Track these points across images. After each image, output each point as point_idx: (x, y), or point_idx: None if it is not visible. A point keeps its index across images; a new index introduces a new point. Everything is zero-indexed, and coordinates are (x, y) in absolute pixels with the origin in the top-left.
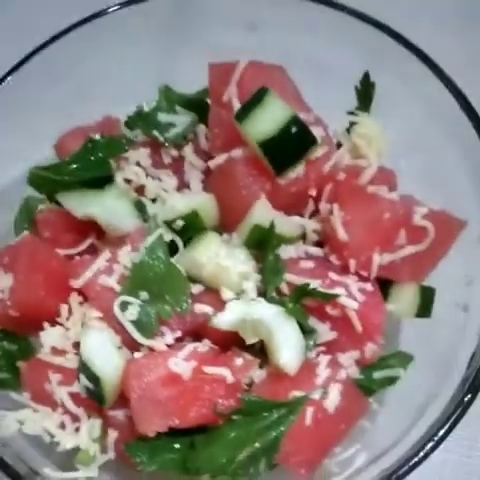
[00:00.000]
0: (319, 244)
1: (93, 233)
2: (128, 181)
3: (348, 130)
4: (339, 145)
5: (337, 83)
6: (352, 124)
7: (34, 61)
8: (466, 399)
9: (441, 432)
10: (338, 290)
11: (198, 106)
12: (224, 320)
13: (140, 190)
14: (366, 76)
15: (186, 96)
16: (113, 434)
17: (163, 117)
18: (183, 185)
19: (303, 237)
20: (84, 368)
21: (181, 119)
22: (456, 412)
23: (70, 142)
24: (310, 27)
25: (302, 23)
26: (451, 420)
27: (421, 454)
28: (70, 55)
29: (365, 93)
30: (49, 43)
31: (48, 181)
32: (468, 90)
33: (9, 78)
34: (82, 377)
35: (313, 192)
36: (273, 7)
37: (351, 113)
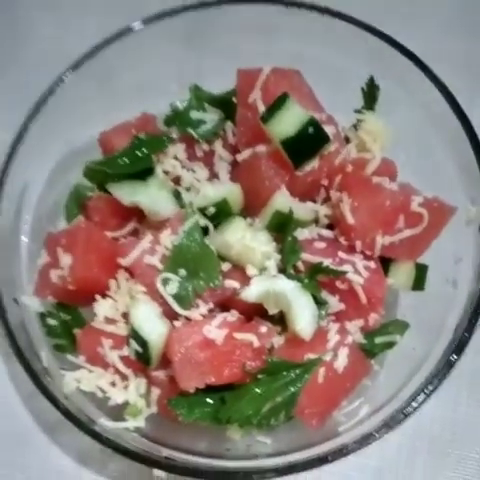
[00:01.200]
0: (330, 227)
1: (135, 217)
2: (166, 172)
3: (355, 126)
4: (347, 139)
5: (346, 85)
6: (359, 121)
7: (73, 75)
8: (452, 359)
9: (430, 387)
10: (346, 267)
11: (225, 104)
12: (250, 293)
13: (176, 180)
14: (371, 79)
15: (214, 95)
16: (156, 391)
17: (195, 114)
18: (213, 175)
19: (316, 221)
20: (135, 334)
21: (210, 116)
22: (443, 370)
23: (113, 137)
24: (322, 36)
25: (315, 32)
26: (439, 376)
27: (414, 405)
28: (106, 67)
29: (370, 94)
30: (107, 43)
31: (100, 173)
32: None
33: (58, 88)
34: (132, 342)
35: (325, 182)
36: (287, 17)
37: (358, 111)
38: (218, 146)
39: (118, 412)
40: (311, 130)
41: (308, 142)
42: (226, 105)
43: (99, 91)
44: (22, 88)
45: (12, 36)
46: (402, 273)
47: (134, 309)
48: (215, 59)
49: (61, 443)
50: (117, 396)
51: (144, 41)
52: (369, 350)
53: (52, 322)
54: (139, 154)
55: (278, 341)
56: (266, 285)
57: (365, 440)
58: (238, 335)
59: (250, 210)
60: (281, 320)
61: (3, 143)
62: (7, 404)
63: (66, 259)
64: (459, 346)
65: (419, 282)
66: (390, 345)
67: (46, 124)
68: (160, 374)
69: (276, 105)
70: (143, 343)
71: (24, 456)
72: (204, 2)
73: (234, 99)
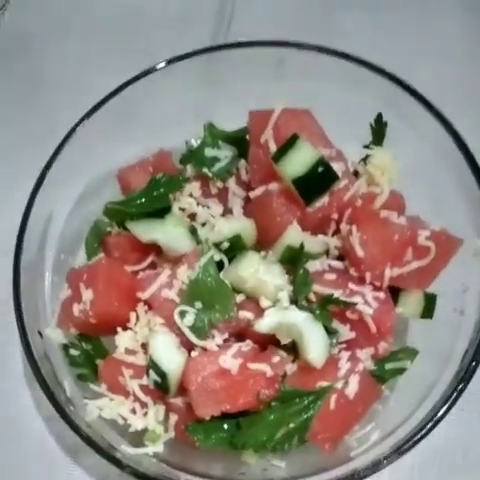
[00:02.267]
0: (340, 258)
1: (153, 252)
2: (182, 209)
3: (364, 160)
4: (356, 173)
5: (355, 122)
6: (368, 156)
7: (96, 113)
8: (460, 387)
9: (440, 413)
10: (356, 298)
11: (238, 142)
12: (263, 325)
13: (192, 216)
14: (379, 116)
15: (227, 133)
16: (174, 417)
17: (209, 152)
18: (227, 211)
19: (327, 252)
20: (153, 366)
21: (224, 153)
22: (452, 397)
23: (130, 174)
24: (332, 76)
25: (325, 72)
26: (448, 403)
27: (423, 431)
28: (129, 103)
29: (378, 130)
30: (115, 94)
31: (120, 212)
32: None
33: (82, 123)
34: (152, 373)
35: (335, 216)
36: (298, 58)
37: (367, 147)
38: (232, 183)
39: (138, 438)
40: (321, 169)
41: (318, 181)
42: (239, 142)
43: (119, 128)
44: (47, 128)
45: (36, 76)
46: (411, 302)
47: (153, 340)
48: (229, 97)
49: (84, 465)
50: (137, 423)
51: (162, 81)
52: (380, 376)
53: (75, 352)
54: (156, 194)
55: (291, 368)
56: (278, 317)
57: (376, 466)
58: (252, 365)
59: (263, 243)
60: (294, 348)
61: (30, 179)
62: (32, 427)
63: (88, 294)
64: (467, 373)
65: (428, 311)
66: (400, 371)
67: (69, 160)
68: (178, 401)
69: (287, 146)
70: (162, 374)
71: (48, 477)
72: (219, 45)
73: (247, 136)
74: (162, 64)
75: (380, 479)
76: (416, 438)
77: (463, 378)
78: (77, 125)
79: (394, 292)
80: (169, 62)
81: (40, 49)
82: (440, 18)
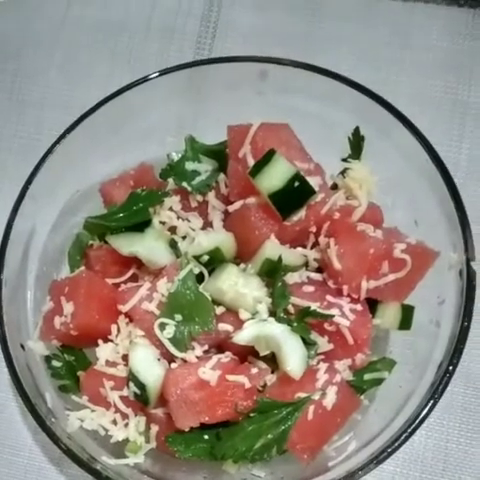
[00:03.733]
0: (319, 270)
1: (134, 264)
2: (163, 223)
3: (342, 173)
4: (335, 186)
5: (333, 136)
6: (346, 169)
7: (85, 123)
8: (435, 397)
9: (415, 423)
10: (333, 310)
11: (218, 155)
12: (242, 337)
13: (172, 229)
14: (357, 130)
15: (208, 146)
16: (155, 428)
17: (190, 165)
18: (207, 224)
19: (306, 264)
20: (133, 377)
21: (205, 167)
22: (427, 407)
23: (112, 188)
24: (313, 90)
25: (306, 87)
26: (424, 412)
27: (401, 438)
28: (111, 117)
29: (356, 144)
30: (96, 108)
31: (100, 226)
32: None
33: (64, 138)
34: (131, 384)
35: (314, 229)
36: (277, 73)
37: (345, 160)
38: (211, 197)
39: (119, 449)
40: (297, 184)
41: (294, 195)
42: (219, 156)
43: (101, 142)
44: (29, 141)
45: (18, 91)
46: (389, 314)
47: (132, 353)
48: (210, 111)
49: (70, 474)
50: (118, 434)
51: (144, 95)
52: (358, 386)
53: (57, 364)
54: (136, 208)
55: (271, 379)
56: (257, 329)
57: (352, 476)
58: (230, 377)
59: (243, 256)
60: (274, 359)
61: (12, 193)
62: (17, 437)
63: (69, 307)
64: (441, 385)
65: (405, 322)
66: (378, 381)
67: (52, 174)
68: (158, 411)
69: (263, 161)
70: (141, 386)
71: None
72: (201, 60)
73: (227, 150)
74: (146, 78)
75: None
76: (392, 448)
77: (437, 390)
78: (59, 140)
79: (372, 304)
80: (151, 77)
81: (24, 63)
82: (420, 31)
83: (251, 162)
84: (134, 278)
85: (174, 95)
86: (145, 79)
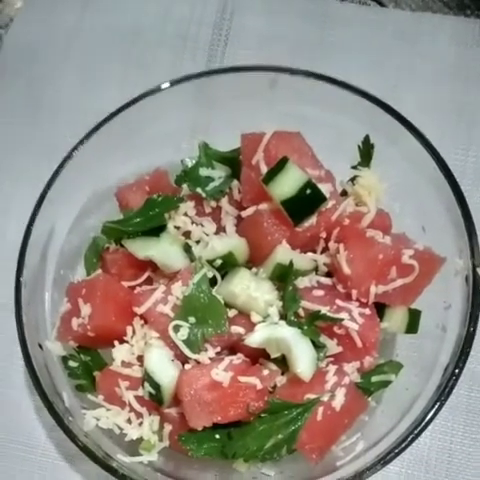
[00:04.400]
0: (329, 274)
1: (149, 268)
2: (177, 227)
3: (352, 180)
4: (345, 192)
5: (345, 145)
6: (355, 176)
7: (113, 121)
8: (441, 400)
9: (422, 425)
10: (343, 314)
11: (231, 162)
12: (254, 339)
13: (187, 234)
14: (367, 138)
15: (221, 153)
16: (168, 427)
17: (204, 171)
18: (220, 229)
19: (316, 268)
20: (148, 378)
21: (218, 173)
22: (433, 409)
23: (128, 193)
24: (324, 99)
25: (317, 95)
26: (430, 414)
27: (408, 439)
28: (127, 124)
29: (366, 152)
30: (113, 116)
31: (117, 231)
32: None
33: (82, 144)
34: (147, 385)
35: (324, 234)
36: (289, 80)
37: (354, 167)
38: (225, 202)
39: (133, 447)
40: (308, 191)
41: (306, 202)
42: (232, 162)
43: (117, 147)
44: (48, 145)
45: (36, 95)
46: (396, 318)
47: (148, 354)
48: (222, 118)
49: (83, 471)
50: (132, 432)
51: (159, 103)
52: (366, 388)
53: (73, 364)
54: (152, 213)
55: (281, 380)
56: (268, 332)
57: (360, 476)
58: (242, 378)
59: (255, 260)
60: (284, 360)
61: (31, 197)
62: (32, 434)
63: (86, 309)
64: (447, 388)
65: (412, 326)
66: (386, 384)
67: (70, 177)
68: (172, 411)
69: (276, 168)
70: (156, 386)
71: None
72: (215, 70)
73: (240, 157)
74: (161, 87)
75: None
76: (399, 449)
77: (443, 392)
78: (77, 146)
79: (380, 307)
80: (164, 87)
81: (40, 67)
82: (428, 40)
83: (264, 169)
84: (149, 281)
85: (187, 103)
86: (159, 88)
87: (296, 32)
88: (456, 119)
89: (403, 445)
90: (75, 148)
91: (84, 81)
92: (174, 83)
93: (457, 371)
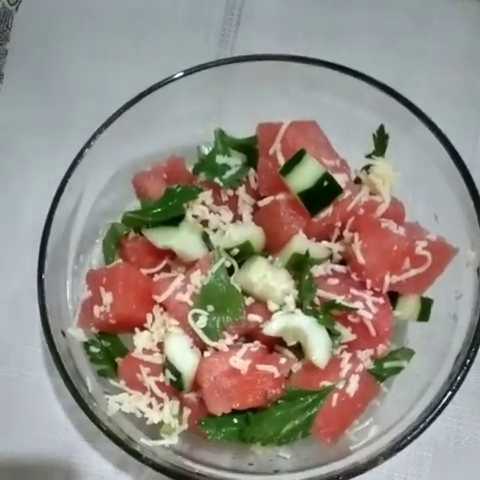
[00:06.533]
0: (343, 262)
1: (167, 256)
2: (195, 216)
3: (366, 168)
4: (359, 180)
5: (359, 133)
6: (370, 165)
7: (130, 111)
8: (453, 388)
9: (435, 411)
10: (357, 303)
11: (248, 150)
12: (271, 328)
13: (204, 223)
14: (381, 128)
15: (237, 140)
16: (187, 411)
17: (220, 159)
18: (237, 217)
19: (331, 256)
20: (169, 366)
21: (234, 161)
22: (446, 396)
23: (145, 180)
24: (338, 88)
25: (331, 84)
26: (442, 402)
27: (420, 427)
28: (143, 111)
29: (380, 141)
30: (138, 99)
31: (137, 221)
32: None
33: (102, 131)
34: (168, 372)
35: (339, 224)
36: (302, 69)
37: (369, 156)
38: (241, 192)
39: (154, 430)
40: (325, 183)
41: (323, 194)
42: (248, 150)
43: (134, 134)
44: (61, 126)
45: (49, 75)
46: (408, 306)
47: (168, 341)
48: (237, 106)
49: (102, 450)
50: (154, 416)
51: (176, 89)
52: (378, 374)
53: (95, 350)
54: (171, 204)
55: (297, 367)
56: (285, 321)
57: (374, 462)
58: (260, 367)
59: (271, 249)
60: (299, 348)
61: (45, 181)
62: (53, 415)
63: (107, 297)
64: (458, 376)
65: (424, 314)
66: (397, 370)
67: (88, 165)
68: (191, 396)
69: (294, 160)
70: (177, 373)
71: (68, 461)
72: (227, 59)
73: (256, 145)
74: (175, 76)
75: (379, 467)
76: (411, 436)
77: (455, 381)
78: (95, 134)
79: (393, 296)
80: (176, 77)
81: (50, 51)
82: (439, 24)
83: (281, 160)
84: (167, 268)
85: (201, 89)
86: (172, 79)
87: (308, 12)
88: (467, 104)
89: (415, 432)
90: (93, 137)
91: (96, 63)
92: (188, 73)
93: (468, 361)
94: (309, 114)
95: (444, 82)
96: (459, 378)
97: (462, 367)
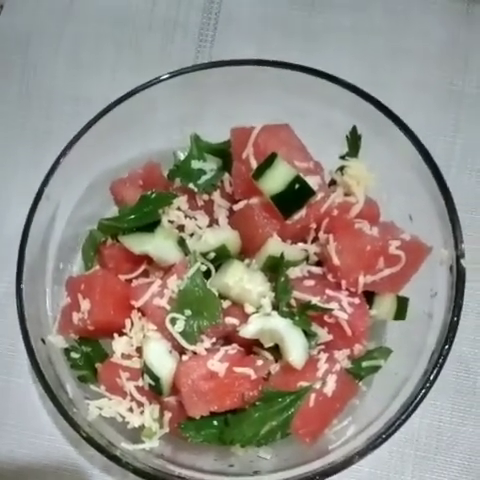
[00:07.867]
0: (319, 263)
1: (145, 261)
2: (171, 221)
3: (341, 169)
4: (334, 182)
5: (335, 135)
6: (344, 166)
7: (106, 118)
8: (427, 385)
9: (410, 408)
10: (332, 304)
11: (222, 154)
12: (248, 331)
13: (180, 227)
14: (354, 129)
15: (212, 145)
16: (168, 415)
17: (195, 164)
18: (213, 221)
19: (307, 258)
20: (147, 370)
21: (210, 166)
22: (421, 393)
23: (122, 187)
24: (312, 91)
25: (305, 88)
26: (417, 399)
27: (396, 424)
28: (125, 114)
29: (353, 142)
30: (115, 105)
31: (113, 228)
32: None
33: (79, 138)
34: (146, 377)
35: (314, 225)
36: (277, 73)
37: (343, 158)
38: (217, 196)
39: (135, 434)
40: (297, 186)
41: (295, 197)
42: (223, 154)
43: (110, 141)
44: (40, 131)
45: (30, 79)
46: (385, 305)
47: (146, 346)
48: (210, 110)
49: (88, 455)
50: (134, 420)
51: (152, 94)
52: (356, 373)
53: (75, 355)
54: (146, 210)
55: (275, 368)
56: (261, 323)
57: (350, 460)
58: (237, 369)
59: (247, 252)
60: (277, 349)
61: (24, 186)
62: (38, 420)
63: (85, 304)
64: (433, 373)
65: (400, 313)
66: (375, 369)
67: (65, 172)
68: (171, 399)
69: (265, 164)
70: (155, 378)
71: (55, 466)
72: (202, 64)
73: (231, 149)
74: (151, 82)
75: (361, 465)
76: (386, 434)
77: (429, 377)
78: (73, 141)
79: (369, 295)
80: (154, 82)
81: (32, 55)
82: (416, 22)
83: (254, 163)
84: (145, 273)
85: (177, 94)
86: (149, 84)
87: (285, 15)
88: (444, 101)
89: (391, 430)
90: (69, 145)
91: (76, 66)
92: (165, 79)
93: (442, 358)
94: (285, 117)
95: (422, 79)
96: (433, 376)
97: (435, 365)
